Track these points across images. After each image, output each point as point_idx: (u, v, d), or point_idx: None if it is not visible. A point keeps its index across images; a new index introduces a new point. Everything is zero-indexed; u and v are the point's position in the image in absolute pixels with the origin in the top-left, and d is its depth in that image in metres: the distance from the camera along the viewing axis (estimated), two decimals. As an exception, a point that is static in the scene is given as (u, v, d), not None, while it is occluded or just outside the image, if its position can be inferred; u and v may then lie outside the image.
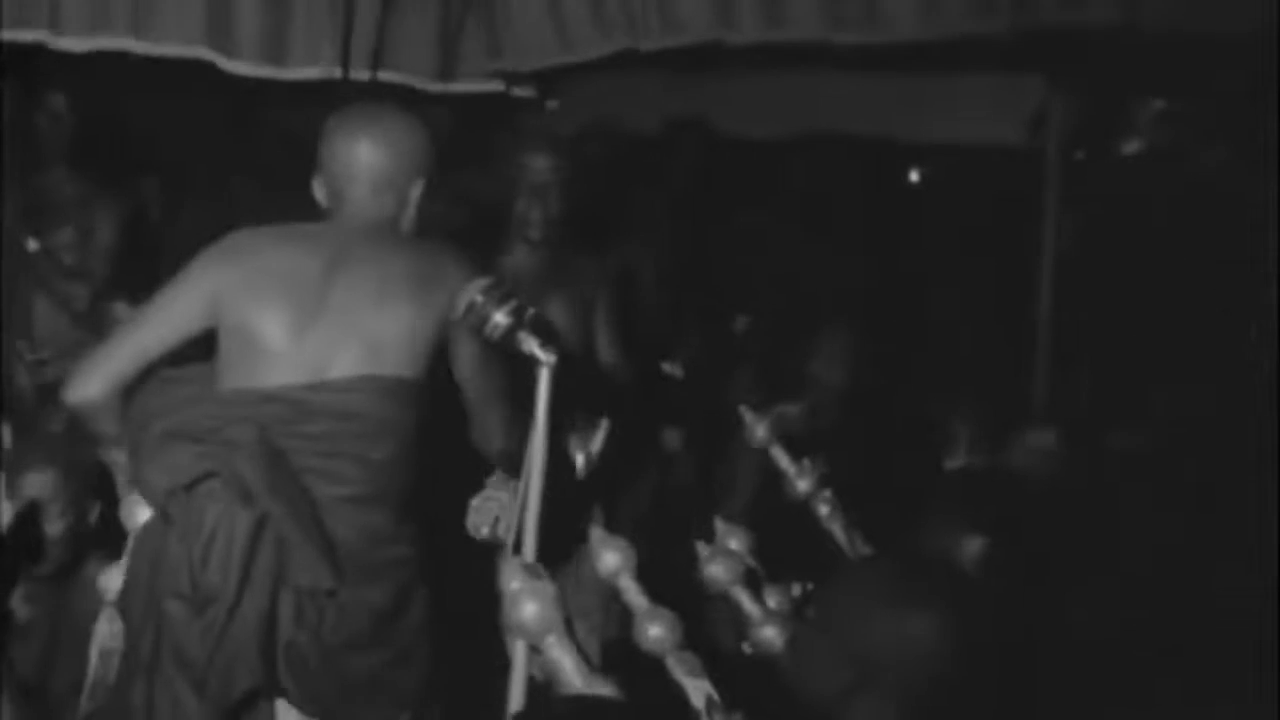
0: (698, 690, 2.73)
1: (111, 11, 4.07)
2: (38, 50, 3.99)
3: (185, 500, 2.99)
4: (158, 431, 3.07)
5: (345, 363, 3.07)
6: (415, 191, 3.26)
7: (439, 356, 3.13)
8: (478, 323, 2.96)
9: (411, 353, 3.09)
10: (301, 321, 3.08)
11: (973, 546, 3.04)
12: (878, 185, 6.56)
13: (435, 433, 3.20)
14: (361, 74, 4.65)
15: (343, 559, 3.00)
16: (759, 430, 3.90)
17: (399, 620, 3.12)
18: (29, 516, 3.34)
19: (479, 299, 2.96)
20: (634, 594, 3.02)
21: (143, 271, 5.23)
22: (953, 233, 6.42)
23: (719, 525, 3.39)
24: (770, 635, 3.07)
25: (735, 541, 3.31)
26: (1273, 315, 5.15)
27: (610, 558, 3.05)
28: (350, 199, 3.25)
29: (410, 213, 3.27)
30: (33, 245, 5.14)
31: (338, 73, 4.49)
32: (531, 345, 2.91)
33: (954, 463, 4.76)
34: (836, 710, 2.28)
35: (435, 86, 4.95)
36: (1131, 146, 6.27)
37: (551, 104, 6.38)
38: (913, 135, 6.38)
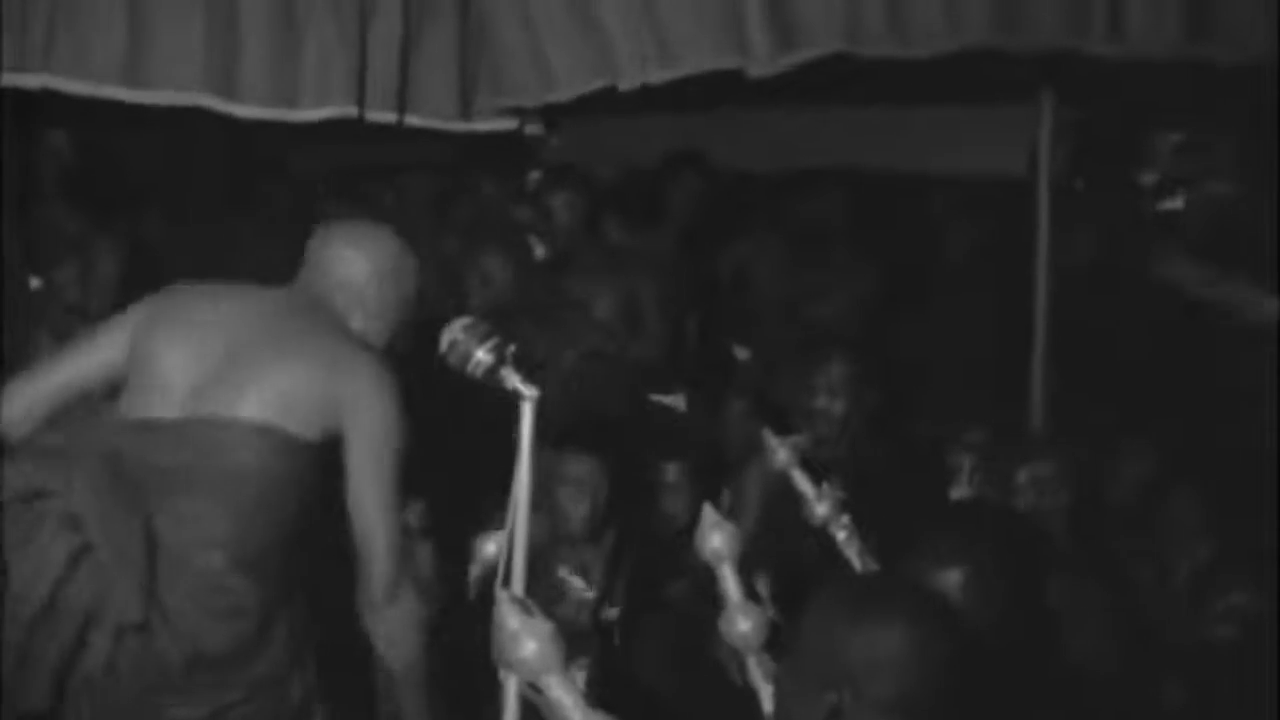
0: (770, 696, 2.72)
1: (104, 59, 4.03)
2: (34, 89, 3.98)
3: (16, 514, 3.02)
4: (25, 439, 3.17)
5: (224, 408, 3.15)
6: (373, 290, 3.43)
7: (328, 446, 3.21)
8: (460, 361, 2.97)
9: (288, 412, 3.16)
10: (198, 365, 3.18)
11: (951, 578, 3.00)
12: (880, 218, 6.55)
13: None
14: (379, 115, 4.62)
15: (172, 602, 3.03)
16: (781, 453, 3.85)
17: (236, 668, 3.12)
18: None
19: (460, 336, 2.98)
20: (731, 582, 3.04)
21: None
22: (956, 264, 6.40)
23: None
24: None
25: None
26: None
27: (717, 539, 3.06)
28: (310, 276, 3.46)
29: (370, 307, 3.43)
30: (34, 283, 5.15)
31: (353, 113, 4.46)
32: (514, 381, 2.92)
33: (959, 492, 4.74)
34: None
35: (455, 126, 4.93)
36: (1149, 178, 6.28)
37: (554, 140, 6.40)
38: (916, 168, 6.39)
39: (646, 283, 5.73)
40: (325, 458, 3.22)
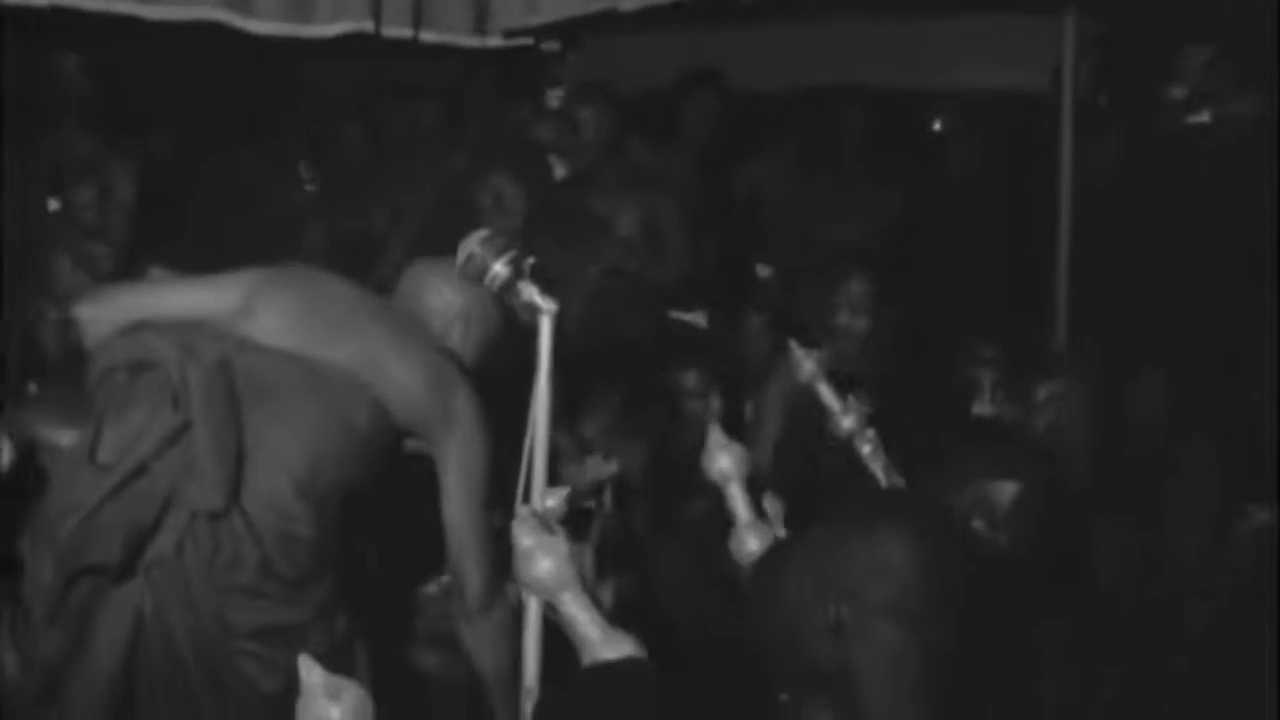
0: None
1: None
2: (44, 10, 3.95)
3: (121, 383, 3.09)
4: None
5: (327, 351, 3.24)
6: (459, 328, 3.47)
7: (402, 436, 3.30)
8: (476, 273, 2.95)
9: (392, 388, 3.25)
10: (307, 317, 3.28)
11: (1006, 492, 3.01)
12: (897, 134, 6.50)
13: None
14: (396, 30, 4.58)
15: (251, 508, 3.07)
16: (806, 365, 3.79)
17: (297, 590, 3.15)
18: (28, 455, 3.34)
19: (477, 250, 2.96)
20: (740, 502, 3.02)
21: (163, 228, 5.25)
22: (974, 181, 6.36)
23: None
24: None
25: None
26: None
27: (724, 460, 3.05)
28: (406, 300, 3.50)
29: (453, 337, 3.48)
30: (52, 205, 5.16)
31: (368, 28, 4.42)
32: (531, 294, 2.91)
33: (981, 409, 4.73)
34: (826, 647, 2.23)
35: (471, 42, 4.89)
36: (1178, 93, 6.20)
37: (570, 59, 6.36)
38: (929, 84, 6.34)
39: (668, 201, 5.72)
40: (397, 444, 3.30)
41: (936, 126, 6.93)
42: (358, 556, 3.40)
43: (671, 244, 5.67)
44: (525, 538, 2.67)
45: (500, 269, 2.94)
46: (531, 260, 2.97)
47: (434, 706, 3.73)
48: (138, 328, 3.21)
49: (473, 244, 2.98)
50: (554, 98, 6.56)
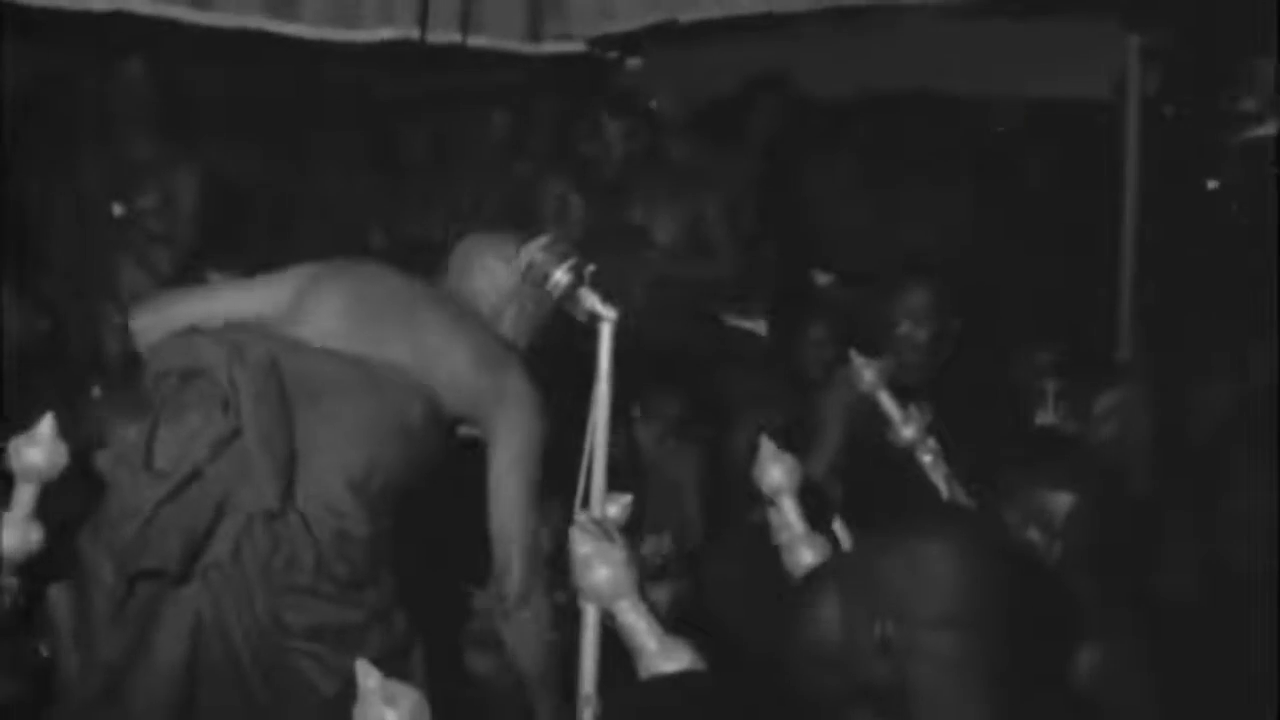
0: None
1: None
2: (113, 18, 3.98)
3: (173, 388, 3.10)
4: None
5: (377, 351, 3.24)
6: (514, 306, 3.45)
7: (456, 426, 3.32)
8: (538, 280, 2.95)
9: (443, 382, 3.25)
10: (357, 310, 3.29)
11: (1061, 503, 2.98)
12: (961, 141, 6.46)
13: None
14: (445, 35, 4.58)
15: (307, 508, 3.08)
16: (867, 374, 3.80)
17: (356, 592, 3.15)
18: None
19: (539, 257, 2.96)
20: (792, 514, 3.02)
21: (226, 233, 5.29)
22: (1038, 188, 6.32)
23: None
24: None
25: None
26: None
27: (776, 472, 3.05)
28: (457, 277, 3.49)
29: (506, 320, 3.46)
30: (117, 210, 5.19)
31: (415, 34, 4.42)
32: (593, 302, 2.90)
33: (1044, 419, 4.69)
34: (876, 665, 2.21)
35: (523, 48, 4.87)
36: (1247, 105, 6.14)
37: (633, 63, 6.34)
38: (992, 90, 6.30)
39: (712, 202, 5.69)
40: (449, 439, 3.31)
41: (1000, 132, 6.89)
42: (412, 559, 3.38)
43: (718, 246, 5.65)
44: (583, 545, 2.67)
45: (561, 276, 2.94)
46: (592, 267, 2.96)
47: (489, 711, 3.73)
48: (189, 332, 3.23)
49: (534, 250, 2.98)
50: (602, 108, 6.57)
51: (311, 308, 3.29)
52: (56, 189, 5.34)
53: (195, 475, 3.01)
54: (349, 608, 3.14)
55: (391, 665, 3.09)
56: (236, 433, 3.03)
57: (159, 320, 3.34)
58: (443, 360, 3.25)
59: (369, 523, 3.14)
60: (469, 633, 3.76)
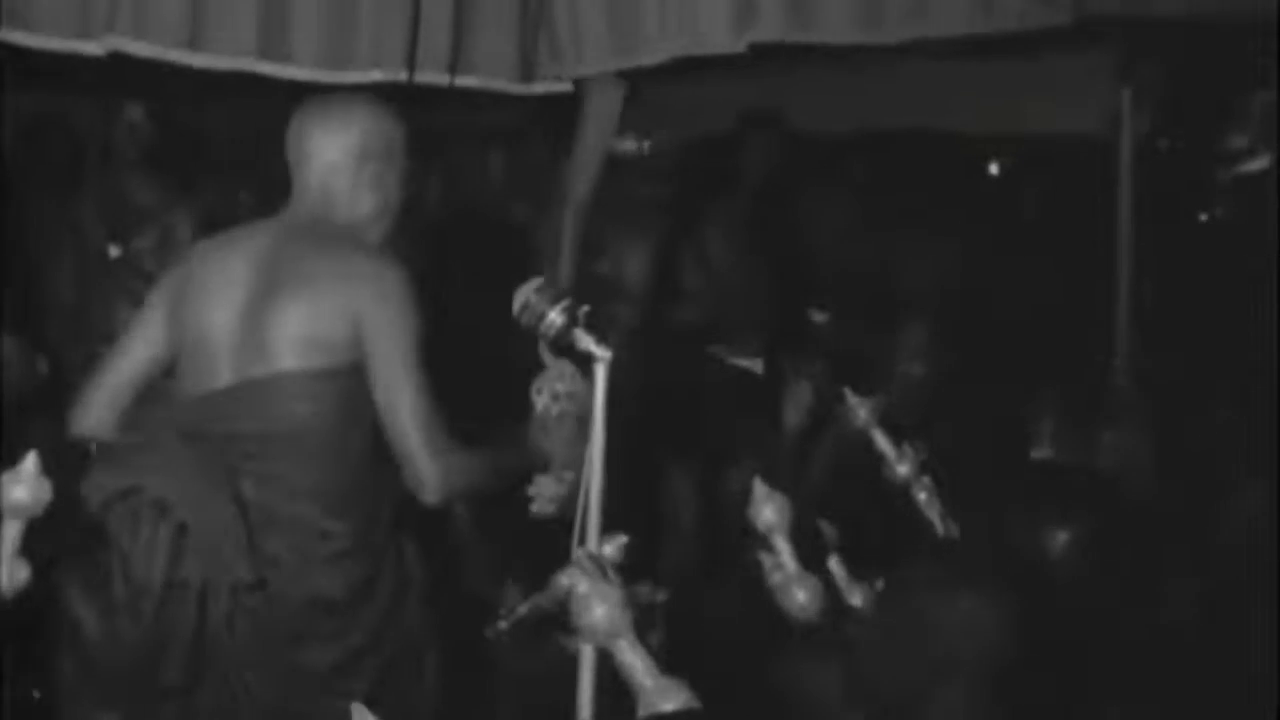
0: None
1: (166, 23, 4.03)
2: (112, 60, 3.99)
3: (116, 514, 3.08)
4: (107, 443, 3.22)
5: (264, 365, 3.14)
6: (367, 172, 3.31)
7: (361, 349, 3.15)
8: (533, 321, 2.97)
9: (320, 347, 3.12)
10: (231, 323, 3.18)
11: (1057, 541, 3.00)
12: (955, 177, 6.49)
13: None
14: (433, 77, 4.59)
15: (277, 553, 3.10)
16: (861, 412, 3.80)
17: (356, 612, 3.17)
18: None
19: (533, 298, 2.98)
20: (786, 554, 3.02)
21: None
22: (1033, 224, 6.34)
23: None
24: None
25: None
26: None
27: (769, 511, 3.05)
28: (298, 181, 3.35)
29: (365, 196, 3.32)
30: (113, 251, 5.21)
31: (403, 77, 4.42)
32: (587, 342, 2.93)
33: (1040, 454, 4.70)
34: (914, 708, 2.22)
35: (514, 89, 4.88)
36: (1239, 141, 6.16)
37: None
38: (990, 127, 6.31)
39: (676, 245, 5.68)
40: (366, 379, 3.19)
41: (994, 169, 6.92)
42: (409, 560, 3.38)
43: (692, 287, 5.65)
44: (580, 583, 2.67)
45: (555, 317, 2.96)
46: (586, 308, 2.98)
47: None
48: (106, 452, 3.20)
49: (528, 291, 2.99)
50: None
51: (185, 325, 3.25)
52: (56, 231, 5.36)
53: (170, 574, 3.03)
54: (352, 632, 3.17)
55: (404, 667, 3.23)
56: (183, 530, 3.04)
57: (97, 416, 3.28)
58: (313, 326, 3.14)
59: (353, 534, 3.17)
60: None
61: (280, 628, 3.11)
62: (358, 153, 3.32)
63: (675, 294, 5.59)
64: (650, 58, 4.58)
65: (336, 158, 3.31)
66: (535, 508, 3.41)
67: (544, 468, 3.36)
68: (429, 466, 3.07)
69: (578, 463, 3.03)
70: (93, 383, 3.32)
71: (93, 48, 3.95)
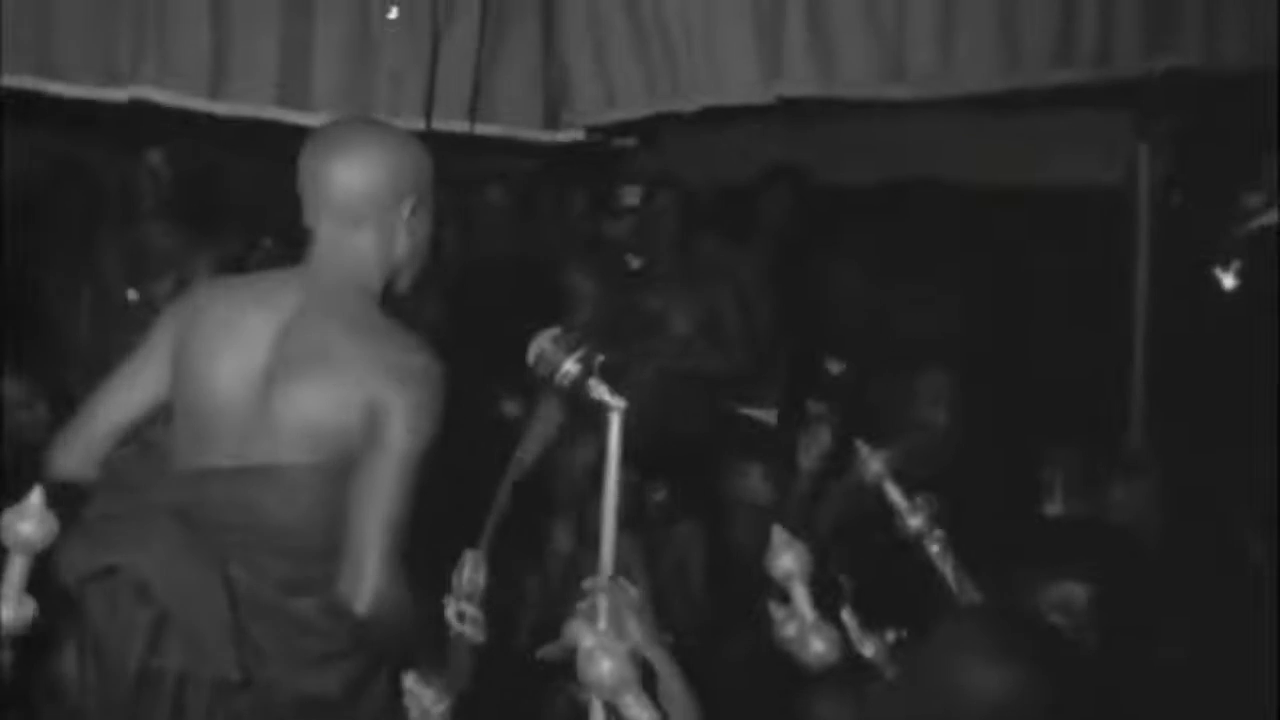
0: None
1: (189, 73, 4.08)
2: (138, 108, 4.04)
3: (95, 590, 2.93)
4: (87, 516, 3.01)
5: (271, 453, 2.91)
6: (402, 215, 3.02)
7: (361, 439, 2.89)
8: (547, 371, 2.95)
9: (330, 437, 2.88)
10: (240, 394, 2.94)
11: (1077, 596, 3.00)
12: (972, 229, 6.49)
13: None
14: (454, 124, 4.62)
15: (267, 647, 2.91)
16: (874, 464, 3.77)
17: (345, 712, 2.98)
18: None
19: (548, 347, 2.95)
20: (803, 603, 3.02)
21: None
22: (1048, 276, 6.34)
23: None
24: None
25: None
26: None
27: (787, 559, 3.05)
28: (323, 231, 3.02)
29: (401, 241, 3.04)
30: (132, 296, 5.24)
31: (420, 124, 4.44)
32: (601, 392, 2.89)
33: (1052, 509, 4.69)
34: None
35: (537, 137, 4.91)
36: (1255, 198, 6.16)
37: (642, 154, 6.39)
38: (1006, 178, 6.32)
39: (727, 295, 5.71)
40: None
41: (1008, 221, 6.92)
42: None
43: (730, 339, 5.67)
44: (587, 637, 2.67)
45: (571, 367, 2.93)
46: (601, 358, 2.98)
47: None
48: (86, 530, 2.98)
49: (544, 341, 2.99)
50: (630, 194, 6.58)
51: (189, 375, 2.99)
52: (75, 275, 5.40)
53: (146, 661, 2.87)
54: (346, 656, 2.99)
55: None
56: (164, 619, 2.88)
57: (79, 459, 3.08)
58: (328, 419, 2.88)
59: (346, 636, 2.95)
60: None
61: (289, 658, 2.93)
62: (389, 191, 2.99)
63: (715, 342, 5.61)
64: (679, 106, 4.64)
65: (363, 198, 2.98)
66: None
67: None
68: (375, 576, 2.81)
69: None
70: (79, 422, 3.12)
71: (118, 95, 4.00)
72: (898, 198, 6.52)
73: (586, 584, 2.81)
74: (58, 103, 4.08)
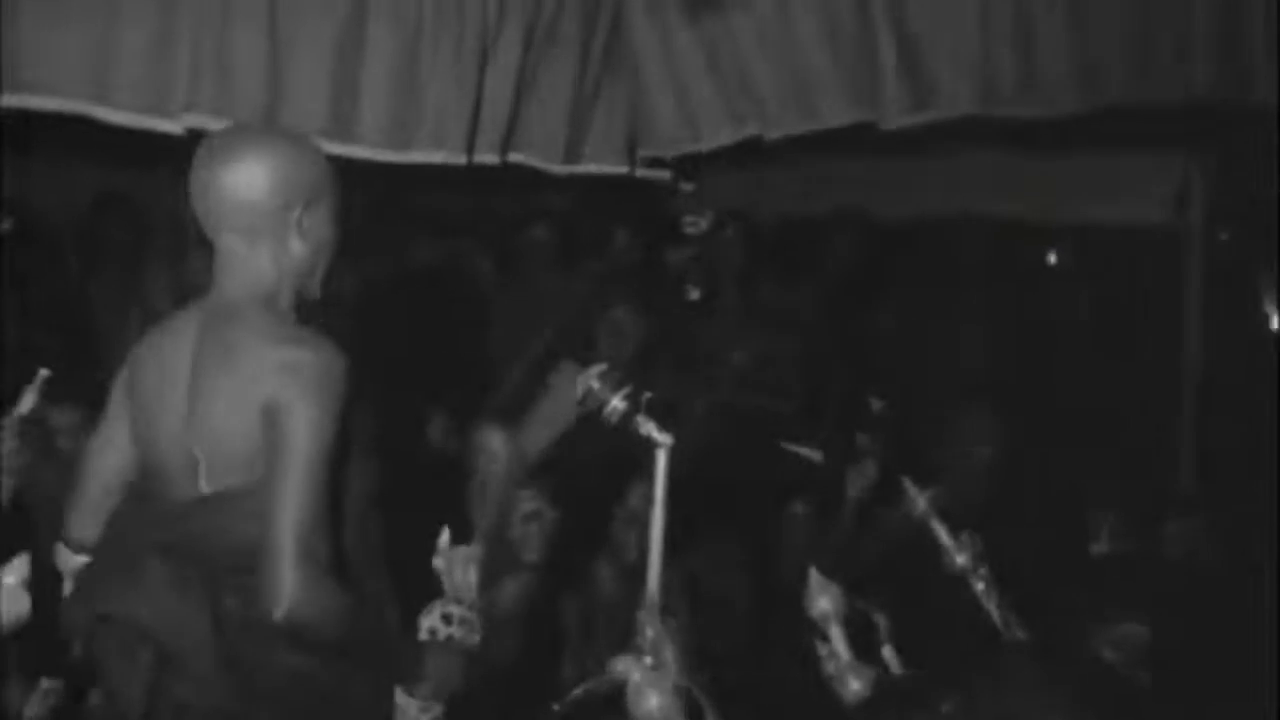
0: None
1: (242, 103, 4.11)
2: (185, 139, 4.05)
3: (101, 638, 2.93)
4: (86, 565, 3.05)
5: (206, 478, 2.85)
6: (290, 221, 2.88)
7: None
8: (595, 407, 2.98)
9: (253, 458, 2.77)
10: (172, 431, 2.88)
11: (1137, 634, 3.00)
12: (1014, 266, 6.49)
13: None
14: (488, 157, 4.65)
15: (265, 681, 2.88)
16: (920, 502, 3.79)
17: None
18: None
19: (595, 385, 3.00)
20: (840, 642, 3.06)
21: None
22: (1093, 314, 6.32)
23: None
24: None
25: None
26: None
27: (824, 602, 3.10)
28: (221, 244, 2.91)
29: (295, 246, 2.90)
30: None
31: (463, 158, 4.47)
32: (649, 428, 2.94)
33: (1099, 549, 4.67)
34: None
35: (563, 169, 4.92)
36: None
37: (686, 187, 6.39)
38: (1051, 216, 6.30)
39: (786, 340, 5.72)
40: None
41: (1052, 259, 6.91)
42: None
43: (787, 382, 5.68)
44: (635, 672, 2.68)
45: (618, 403, 2.98)
46: (648, 395, 3.00)
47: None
48: (87, 579, 3.02)
49: (591, 378, 3.02)
50: (690, 224, 6.60)
51: (141, 426, 2.98)
52: (123, 304, 5.43)
53: (150, 698, 2.86)
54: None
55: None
56: (163, 653, 2.85)
57: (86, 522, 3.08)
58: (244, 442, 2.77)
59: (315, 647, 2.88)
60: None
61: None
62: (276, 199, 2.86)
63: (772, 380, 5.63)
64: (715, 141, 4.66)
65: (251, 207, 2.84)
66: None
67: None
68: (288, 581, 2.67)
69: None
70: (78, 488, 3.11)
71: (172, 126, 4.02)
72: (938, 234, 6.51)
73: (638, 615, 2.82)
74: (105, 132, 4.10)
